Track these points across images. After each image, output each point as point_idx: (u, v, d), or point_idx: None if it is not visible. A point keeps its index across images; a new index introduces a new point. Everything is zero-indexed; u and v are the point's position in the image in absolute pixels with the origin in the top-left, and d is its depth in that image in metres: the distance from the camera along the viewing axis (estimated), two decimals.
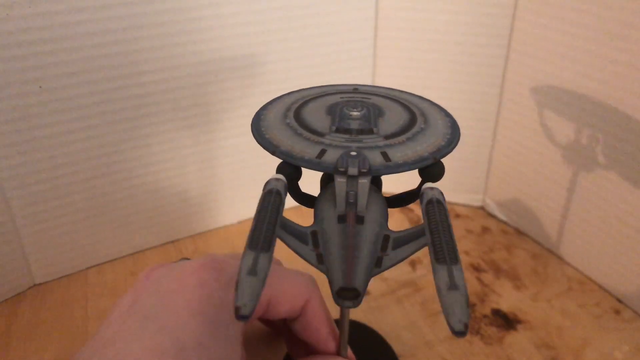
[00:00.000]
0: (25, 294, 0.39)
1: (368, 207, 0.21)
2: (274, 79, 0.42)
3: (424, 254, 0.41)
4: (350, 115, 0.23)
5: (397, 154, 0.21)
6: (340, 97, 0.26)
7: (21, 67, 0.33)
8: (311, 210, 0.22)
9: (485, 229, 0.46)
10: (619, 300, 0.38)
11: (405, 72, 0.45)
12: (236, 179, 0.45)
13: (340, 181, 0.20)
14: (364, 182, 0.20)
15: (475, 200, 0.49)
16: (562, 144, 0.40)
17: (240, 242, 0.45)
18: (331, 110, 0.24)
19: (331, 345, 0.27)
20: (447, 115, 0.25)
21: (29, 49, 0.32)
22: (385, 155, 0.21)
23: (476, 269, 0.41)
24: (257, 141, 0.22)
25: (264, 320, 0.33)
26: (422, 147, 0.22)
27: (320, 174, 0.23)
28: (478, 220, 0.48)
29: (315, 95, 0.26)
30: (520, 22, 0.40)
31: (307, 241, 0.20)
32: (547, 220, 0.43)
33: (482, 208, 0.49)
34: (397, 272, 0.41)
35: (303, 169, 0.21)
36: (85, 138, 0.37)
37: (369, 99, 0.26)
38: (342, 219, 0.20)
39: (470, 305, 0.38)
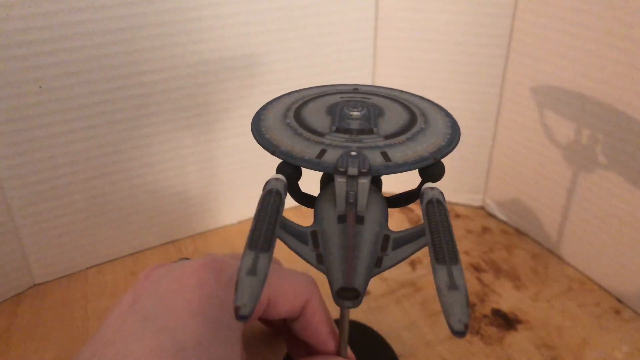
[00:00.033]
0: (25, 294, 0.39)
1: (368, 207, 0.21)
2: (274, 79, 0.42)
3: (424, 254, 0.41)
4: (350, 115, 0.23)
5: (397, 154, 0.21)
6: (340, 97, 0.26)
7: (21, 67, 0.33)
8: (311, 210, 0.22)
9: (485, 229, 0.46)
10: (619, 300, 0.38)
11: (405, 72, 0.45)
12: (236, 179, 0.45)
13: (340, 181, 0.20)
14: (364, 182, 0.20)
15: (475, 200, 0.49)
16: (562, 144, 0.40)
17: (240, 242, 0.45)
18: (331, 110, 0.24)
19: (331, 345, 0.27)
20: (447, 115, 0.25)
21: (29, 49, 0.32)
22: (385, 155, 0.21)
23: (476, 269, 0.41)
24: (257, 141, 0.22)
25: (264, 320, 0.33)
26: (422, 147, 0.22)
27: (320, 174, 0.23)
28: (478, 220, 0.48)
29: (315, 95, 0.26)
30: (520, 22, 0.40)
31: (307, 241, 0.20)
32: (547, 220, 0.43)
33: (482, 208, 0.49)
34: (397, 272, 0.41)
35: (303, 169, 0.21)
36: (85, 138, 0.37)
37: (369, 99, 0.26)
38: (342, 219, 0.20)
39: (470, 305, 0.38)
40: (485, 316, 0.37)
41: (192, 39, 0.37)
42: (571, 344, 0.35)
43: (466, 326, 0.16)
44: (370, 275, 0.19)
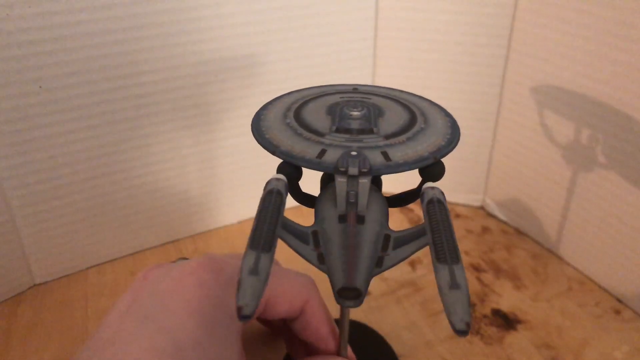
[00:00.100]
0: (25, 294, 0.39)
1: (369, 206, 0.21)
2: (274, 79, 0.42)
3: (424, 254, 0.41)
4: (351, 115, 0.23)
5: (398, 154, 0.21)
6: (340, 97, 0.26)
7: (21, 67, 0.33)
8: (311, 211, 0.22)
9: (485, 229, 0.46)
10: (619, 300, 0.38)
11: (405, 72, 0.45)
12: (236, 179, 0.45)
13: (340, 181, 0.20)
14: (365, 181, 0.20)
15: (475, 200, 0.49)
16: (562, 144, 0.40)
17: (240, 242, 0.45)
18: (331, 110, 0.24)
19: (331, 345, 0.27)
20: (447, 115, 0.25)
21: (29, 49, 0.32)
22: (385, 155, 0.21)
23: (476, 269, 0.41)
24: (257, 141, 0.22)
25: (262, 320, 0.33)
26: (422, 146, 0.22)
27: (320, 173, 0.23)
28: (478, 220, 0.48)
29: (315, 95, 0.26)
30: (520, 22, 0.40)
31: (308, 241, 0.20)
32: (547, 220, 0.43)
33: (482, 208, 0.49)
34: (397, 272, 0.41)
35: (303, 169, 0.21)
36: (85, 138, 0.37)
37: (369, 98, 0.26)
38: (342, 218, 0.20)
39: (470, 305, 0.38)
40: (485, 316, 0.37)
41: (192, 39, 0.37)
42: (571, 344, 0.35)
43: (468, 325, 0.16)
44: (371, 274, 0.19)
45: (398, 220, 0.47)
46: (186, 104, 0.39)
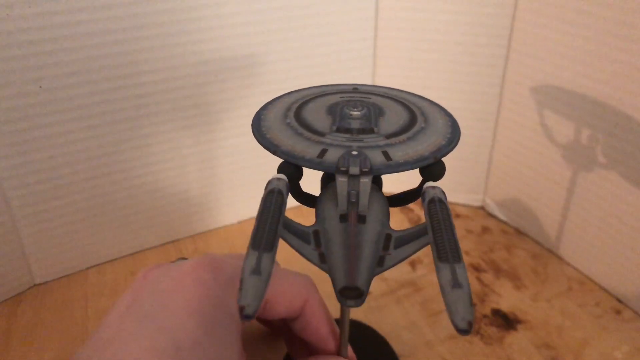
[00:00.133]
0: (25, 294, 0.39)
1: (370, 206, 0.21)
2: (274, 79, 0.42)
3: (424, 254, 0.41)
4: (351, 114, 0.23)
5: (398, 153, 0.21)
6: (340, 97, 0.26)
7: (21, 67, 0.33)
8: (312, 210, 0.22)
9: (485, 229, 0.46)
10: (619, 300, 0.38)
11: (405, 72, 0.45)
12: (236, 179, 0.45)
13: (341, 180, 0.20)
14: (366, 181, 0.20)
15: (475, 200, 0.49)
16: (562, 144, 0.40)
17: (240, 242, 0.45)
18: (331, 110, 0.24)
19: (331, 345, 0.27)
20: (447, 114, 0.25)
21: (29, 49, 0.32)
22: (386, 155, 0.21)
23: (476, 269, 0.41)
24: (258, 141, 0.22)
25: (262, 320, 0.33)
26: (422, 146, 0.22)
27: (320, 173, 0.23)
28: (478, 220, 0.48)
29: (315, 95, 0.26)
30: (520, 22, 0.40)
31: (310, 240, 0.20)
32: (547, 220, 0.43)
33: (482, 208, 0.49)
34: (397, 272, 0.41)
35: (304, 169, 0.21)
36: (85, 138, 0.37)
37: (369, 98, 0.26)
38: (343, 218, 0.20)
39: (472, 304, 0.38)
40: (485, 316, 0.37)
41: (192, 39, 0.37)
42: (571, 344, 0.35)
43: (470, 324, 0.16)
44: (372, 274, 0.19)
45: (398, 220, 0.47)
46: (186, 104, 0.39)
